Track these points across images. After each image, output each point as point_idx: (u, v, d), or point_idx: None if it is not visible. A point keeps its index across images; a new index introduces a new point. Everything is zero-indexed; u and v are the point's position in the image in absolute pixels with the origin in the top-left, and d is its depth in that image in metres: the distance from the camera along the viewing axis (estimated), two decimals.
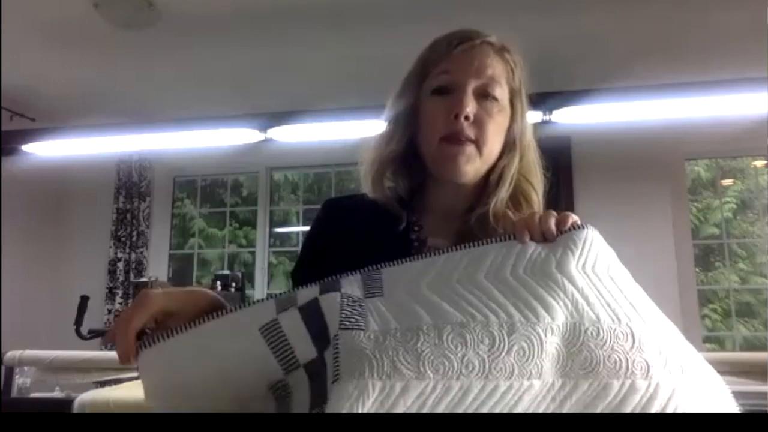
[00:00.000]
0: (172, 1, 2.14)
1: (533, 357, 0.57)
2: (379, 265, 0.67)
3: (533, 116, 2.16)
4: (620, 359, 0.57)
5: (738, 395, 0.61)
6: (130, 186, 3.73)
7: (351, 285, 0.65)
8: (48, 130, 2.95)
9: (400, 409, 0.55)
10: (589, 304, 0.60)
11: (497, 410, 0.55)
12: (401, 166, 0.84)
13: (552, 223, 0.66)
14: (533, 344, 0.57)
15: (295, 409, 0.61)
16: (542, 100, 2.23)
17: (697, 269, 3.28)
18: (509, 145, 0.82)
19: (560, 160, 2.90)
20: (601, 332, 0.58)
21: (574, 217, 0.67)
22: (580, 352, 0.58)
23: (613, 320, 0.59)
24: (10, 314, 3.11)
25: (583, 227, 0.65)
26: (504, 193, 0.80)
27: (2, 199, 3.17)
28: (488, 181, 0.81)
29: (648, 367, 0.57)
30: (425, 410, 0.55)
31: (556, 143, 2.86)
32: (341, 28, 2.35)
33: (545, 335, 0.58)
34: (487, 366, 0.57)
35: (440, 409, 0.55)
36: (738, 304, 4.18)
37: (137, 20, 2.22)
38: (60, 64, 2.64)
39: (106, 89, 2.89)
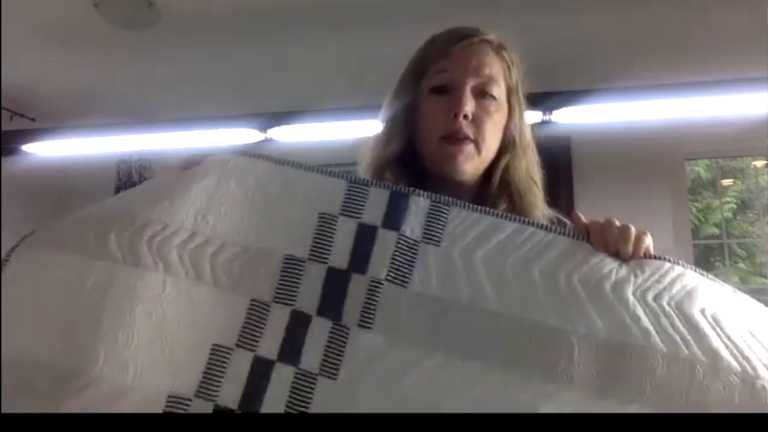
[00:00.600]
0: (172, 1, 2.13)
1: (560, 363, 0.56)
2: (450, 201, 0.67)
3: (533, 116, 2.16)
4: (674, 393, 0.54)
5: None
6: (130, 186, 3.72)
7: (416, 216, 0.65)
8: (48, 130, 2.95)
9: (409, 379, 0.57)
10: (640, 327, 0.57)
11: (512, 408, 0.55)
12: (400, 165, 0.84)
13: (630, 244, 0.64)
14: (561, 351, 0.56)
15: (302, 297, 0.62)
16: (542, 100, 2.23)
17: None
18: (508, 143, 0.82)
19: (560, 160, 2.89)
20: (651, 358, 0.55)
21: (648, 241, 0.66)
22: (624, 373, 0.55)
23: (668, 349, 0.55)
24: None
25: (663, 260, 0.63)
26: (515, 191, 0.81)
27: (2, 199, 3.16)
28: (489, 180, 0.82)
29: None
30: (432, 387, 0.56)
31: (556, 143, 2.85)
32: (341, 28, 2.34)
33: (577, 344, 0.56)
34: (505, 361, 0.57)
35: (450, 392, 0.56)
36: None
37: (137, 20, 2.22)
38: (60, 64, 2.64)
39: (106, 89, 2.88)
